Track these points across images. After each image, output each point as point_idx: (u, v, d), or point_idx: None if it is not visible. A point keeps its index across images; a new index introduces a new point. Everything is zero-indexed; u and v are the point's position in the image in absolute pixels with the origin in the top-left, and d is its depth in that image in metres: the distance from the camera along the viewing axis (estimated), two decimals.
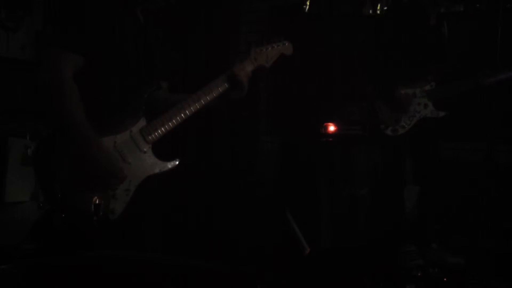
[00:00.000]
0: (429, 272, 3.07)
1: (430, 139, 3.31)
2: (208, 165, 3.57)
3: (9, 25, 4.12)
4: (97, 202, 1.90)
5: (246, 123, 4.29)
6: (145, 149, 2.06)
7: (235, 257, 3.08)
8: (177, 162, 2.10)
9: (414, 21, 3.24)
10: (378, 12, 4.33)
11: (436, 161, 3.33)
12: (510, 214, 3.58)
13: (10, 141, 3.20)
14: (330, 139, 3.98)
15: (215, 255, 2.82)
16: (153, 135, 2.07)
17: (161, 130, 2.08)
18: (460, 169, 3.77)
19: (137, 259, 1.67)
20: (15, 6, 4.15)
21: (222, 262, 1.68)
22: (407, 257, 3.21)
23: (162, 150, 2.12)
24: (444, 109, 3.24)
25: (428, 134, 3.27)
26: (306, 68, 4.38)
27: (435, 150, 3.35)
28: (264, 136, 4.69)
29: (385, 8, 4.19)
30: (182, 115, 2.10)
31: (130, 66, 2.10)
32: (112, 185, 1.96)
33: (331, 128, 4.02)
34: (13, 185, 3.12)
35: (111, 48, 2.03)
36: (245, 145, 4.27)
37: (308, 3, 4.39)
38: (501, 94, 3.17)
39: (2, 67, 4.02)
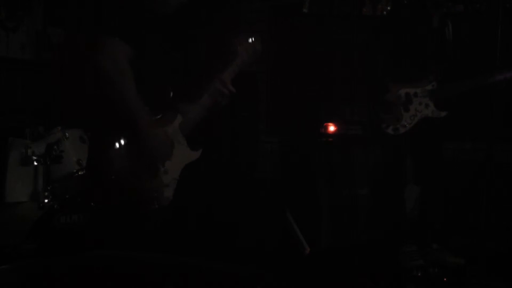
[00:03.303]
0: (429, 272, 3.07)
1: (431, 139, 3.31)
2: (208, 165, 3.57)
3: (9, 25, 4.12)
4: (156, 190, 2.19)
5: (246, 123, 4.29)
6: (182, 142, 2.33)
7: (235, 257, 3.08)
8: (201, 150, 2.39)
9: (415, 22, 3.24)
10: (378, 12, 4.34)
11: (436, 160, 3.33)
12: (510, 214, 3.58)
13: (10, 141, 3.20)
14: (330, 139, 3.98)
15: (215, 255, 2.82)
16: (187, 129, 2.34)
17: (192, 123, 2.35)
18: (460, 169, 3.77)
19: (137, 259, 1.67)
20: (15, 6, 4.15)
21: (222, 262, 1.68)
22: (407, 257, 3.21)
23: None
24: (446, 109, 3.25)
25: (429, 134, 3.28)
26: (306, 68, 4.38)
27: (437, 150, 3.35)
28: (264, 136, 4.69)
29: (388, 8, 4.19)
30: (204, 107, 2.38)
31: (163, 63, 2.28)
32: (161, 161, 2.21)
33: (331, 128, 4.02)
34: (13, 185, 3.12)
35: (154, 45, 2.20)
36: (245, 145, 4.27)
37: (308, 3, 4.39)
38: (501, 94, 3.17)
39: (2, 67, 4.02)
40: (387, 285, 3.00)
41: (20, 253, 2.87)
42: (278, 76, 4.70)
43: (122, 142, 2.14)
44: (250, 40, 2.51)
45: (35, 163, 3.11)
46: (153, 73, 2.23)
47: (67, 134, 3.20)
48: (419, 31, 3.22)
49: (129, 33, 2.10)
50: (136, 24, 2.13)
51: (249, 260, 3.03)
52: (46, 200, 3.05)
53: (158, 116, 2.27)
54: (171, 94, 2.32)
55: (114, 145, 2.12)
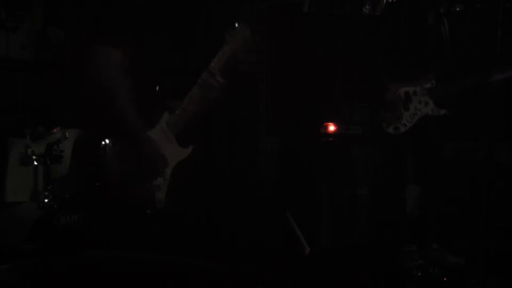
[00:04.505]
0: (429, 272, 3.07)
1: (431, 138, 3.31)
2: (208, 165, 3.57)
3: (9, 25, 4.12)
4: (150, 193, 2.15)
5: (246, 123, 4.28)
6: (172, 140, 2.27)
7: (235, 257, 3.07)
8: (192, 148, 2.32)
9: (413, 21, 3.24)
10: (378, 12, 4.34)
11: (437, 160, 3.33)
12: (510, 214, 3.58)
13: (10, 141, 3.20)
14: (330, 139, 3.98)
15: (215, 255, 2.82)
16: (177, 126, 2.27)
17: (183, 120, 2.27)
18: (460, 169, 3.77)
19: (137, 259, 1.67)
20: (15, 6, 4.15)
21: (222, 262, 1.68)
22: (407, 257, 3.21)
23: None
24: (445, 107, 3.25)
25: (429, 133, 3.28)
26: (306, 68, 4.37)
27: (437, 149, 3.35)
28: (264, 136, 4.69)
29: (384, 7, 4.19)
30: (194, 102, 2.28)
31: (156, 64, 2.27)
32: (158, 172, 2.17)
33: (331, 128, 4.01)
34: (13, 185, 3.12)
35: (145, 46, 2.17)
36: (245, 145, 4.27)
37: (308, 3, 4.39)
38: (501, 94, 3.17)
39: (2, 67, 4.02)
40: (387, 285, 3.00)
41: (20, 253, 2.87)
42: (278, 76, 4.69)
43: (116, 145, 2.11)
44: (236, 25, 2.42)
45: (35, 163, 3.11)
46: (143, 73, 2.20)
47: (67, 134, 3.21)
48: (416, 30, 3.23)
49: (121, 38, 2.07)
50: (132, 25, 2.11)
51: (249, 260, 3.02)
52: (46, 200, 3.05)
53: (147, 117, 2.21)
54: (159, 91, 2.28)
55: (108, 147, 2.10)
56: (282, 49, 4.55)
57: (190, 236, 2.90)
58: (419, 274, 3.06)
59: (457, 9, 4.14)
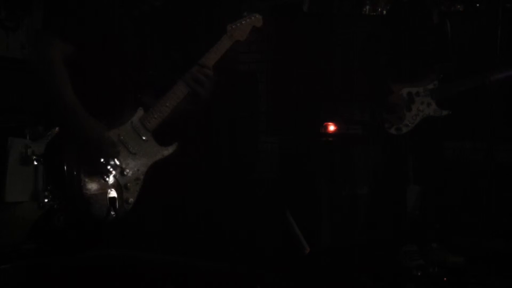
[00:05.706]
0: (429, 271, 3.07)
1: (431, 138, 3.31)
2: (208, 165, 3.57)
3: (9, 25, 4.12)
4: (111, 195, 2.04)
5: (246, 123, 4.28)
6: (146, 138, 2.15)
7: (235, 257, 3.07)
8: (176, 146, 2.19)
9: (415, 21, 3.24)
10: (378, 12, 4.34)
11: (437, 160, 3.33)
12: (510, 214, 3.58)
13: (10, 141, 3.19)
14: (330, 139, 3.98)
15: (215, 255, 2.82)
16: (152, 122, 2.16)
17: (159, 116, 2.16)
18: (460, 169, 3.78)
19: (137, 259, 1.67)
20: (15, 5, 4.15)
21: (222, 262, 1.68)
22: (407, 257, 3.21)
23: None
24: (447, 108, 3.25)
25: (430, 133, 3.28)
26: (306, 68, 4.37)
27: (437, 150, 3.35)
28: (264, 136, 4.69)
29: (387, 7, 4.19)
30: (176, 97, 2.18)
31: (126, 60, 2.18)
32: (106, 167, 2.06)
33: (331, 128, 4.01)
34: (13, 185, 3.12)
35: (107, 42, 2.10)
36: (245, 145, 4.27)
37: (308, 3, 4.39)
38: (501, 94, 3.17)
39: (2, 67, 4.01)
40: (387, 285, 3.00)
41: (20, 253, 2.87)
42: (278, 76, 4.70)
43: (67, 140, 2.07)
44: (245, 14, 2.35)
45: (35, 163, 3.11)
46: (117, 68, 2.14)
47: None
48: (418, 30, 3.22)
49: (70, 30, 2.03)
50: (102, 20, 2.08)
51: (249, 260, 3.02)
52: (46, 200, 3.05)
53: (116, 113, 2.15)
54: (133, 88, 2.21)
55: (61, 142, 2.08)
56: (282, 49, 4.56)
57: (190, 236, 2.90)
58: (419, 274, 3.06)
59: (457, 6, 4.14)
